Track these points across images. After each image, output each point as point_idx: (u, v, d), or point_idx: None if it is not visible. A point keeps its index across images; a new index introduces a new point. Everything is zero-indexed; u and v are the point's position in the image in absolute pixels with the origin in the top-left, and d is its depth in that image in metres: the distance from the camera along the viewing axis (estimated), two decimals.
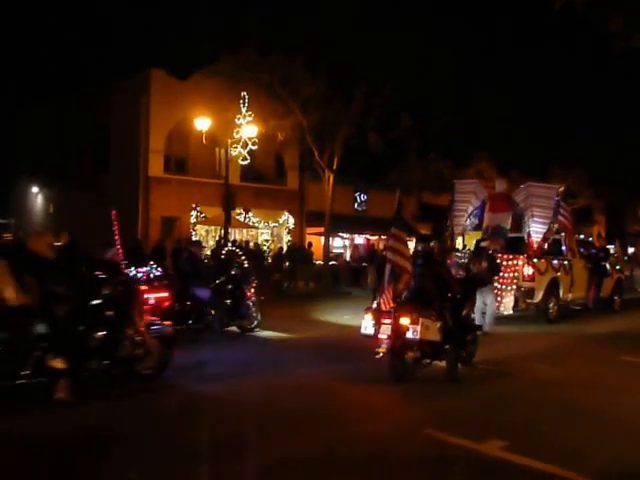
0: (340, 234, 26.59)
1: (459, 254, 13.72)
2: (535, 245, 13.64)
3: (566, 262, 14.23)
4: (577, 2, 7.09)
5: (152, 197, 21.60)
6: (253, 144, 19.32)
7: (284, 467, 4.73)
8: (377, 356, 7.45)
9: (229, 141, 19.19)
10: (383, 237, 28.72)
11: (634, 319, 14.87)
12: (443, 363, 7.80)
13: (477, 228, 15.30)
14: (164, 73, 21.88)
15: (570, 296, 14.31)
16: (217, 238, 21.08)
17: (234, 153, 19.32)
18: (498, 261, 12.37)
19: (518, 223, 14.32)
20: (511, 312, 12.79)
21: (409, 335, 7.29)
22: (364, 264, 22.88)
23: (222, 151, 20.39)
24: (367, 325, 7.68)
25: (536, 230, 13.78)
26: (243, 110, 19.45)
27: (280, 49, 19.27)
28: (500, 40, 25.13)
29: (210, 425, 5.60)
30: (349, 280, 22.89)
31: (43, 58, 30.45)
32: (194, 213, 22.21)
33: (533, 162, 27.94)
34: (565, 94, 27.04)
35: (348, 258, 25.80)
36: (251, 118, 19.42)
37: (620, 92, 27.48)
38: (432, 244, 8.73)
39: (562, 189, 15.10)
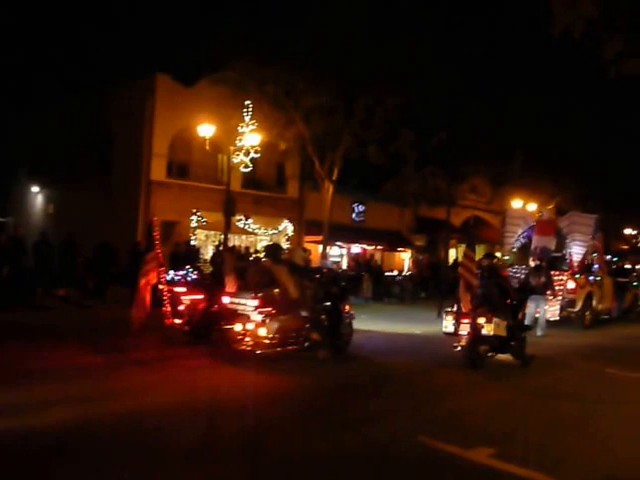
0: (337, 243, 26.92)
1: (513, 269, 15.79)
2: (576, 264, 16.48)
3: (598, 278, 17.03)
4: (575, 28, 7.46)
5: (153, 201, 21.87)
6: (255, 152, 19.65)
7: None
8: (456, 349, 9.51)
9: (232, 148, 19.51)
10: (379, 247, 29.13)
11: None
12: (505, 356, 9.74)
13: (525, 248, 17.63)
14: (169, 79, 22.19)
15: (600, 307, 16.93)
16: (217, 243, 21.34)
17: (236, 160, 19.63)
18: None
19: (561, 245, 17.08)
20: (557, 318, 15.48)
21: (484, 331, 9.24)
22: (362, 273, 23.20)
23: (224, 158, 20.71)
24: (448, 325, 9.63)
25: (577, 251, 16.68)
26: (246, 118, 19.78)
27: (285, 60, 19.67)
28: (499, 59, 25.62)
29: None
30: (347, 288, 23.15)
31: (48, 58, 30.70)
32: (194, 218, 22.47)
33: (526, 179, 28.55)
34: (559, 114, 27.63)
35: (345, 267, 26.10)
36: (254, 127, 19.76)
37: (611, 115, 28.20)
38: (495, 260, 10.82)
39: (598, 218, 17.67)
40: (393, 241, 29.53)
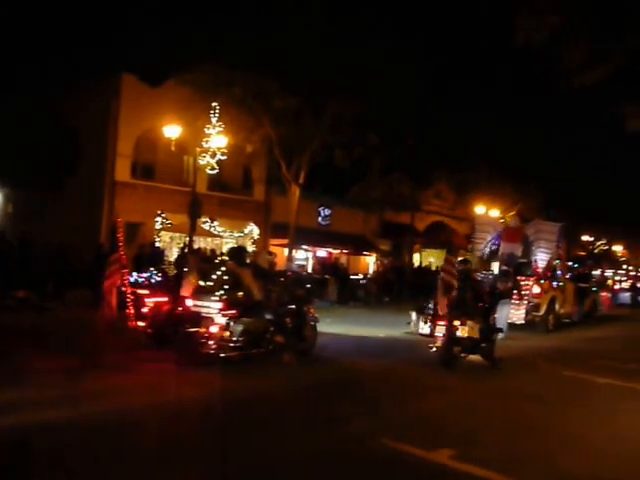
0: (303, 247, 26.96)
1: (481, 274, 15.81)
2: (540, 270, 17.01)
3: (561, 284, 17.80)
4: (537, 39, 7.66)
5: (117, 202, 21.55)
6: (222, 154, 19.54)
7: None
8: (432, 350, 10.05)
9: (198, 150, 19.37)
10: (345, 251, 29.29)
11: (610, 330, 18.91)
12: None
13: (494, 254, 18.25)
14: (135, 79, 21.91)
15: (562, 311, 17.74)
16: (182, 245, 21.14)
17: (202, 162, 19.50)
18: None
19: (527, 251, 17.65)
20: (523, 322, 15.97)
21: (458, 333, 9.80)
22: (326, 276, 23.29)
23: (190, 159, 20.55)
24: (424, 327, 10.43)
25: (542, 258, 17.23)
26: (213, 120, 19.65)
27: (253, 63, 19.64)
28: (465, 69, 26.12)
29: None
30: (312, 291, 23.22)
31: (8, 53, 29.94)
32: (159, 219, 22.21)
33: (489, 186, 29.19)
34: (520, 124, 28.37)
35: (310, 270, 26.16)
36: (221, 129, 19.65)
37: (571, 126, 29.05)
38: (469, 265, 11.33)
39: (562, 226, 18.47)
40: (358, 245, 29.73)
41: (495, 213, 31.13)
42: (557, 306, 17.30)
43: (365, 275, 26.82)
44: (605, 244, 46.19)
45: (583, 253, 36.81)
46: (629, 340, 16.80)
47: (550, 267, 17.57)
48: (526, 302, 16.18)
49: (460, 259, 11.90)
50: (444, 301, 10.01)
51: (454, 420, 6.92)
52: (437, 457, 5.46)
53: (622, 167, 67.54)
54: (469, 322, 9.85)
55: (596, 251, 45.56)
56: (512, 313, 15.42)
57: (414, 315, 11.65)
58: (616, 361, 12.15)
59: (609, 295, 27.54)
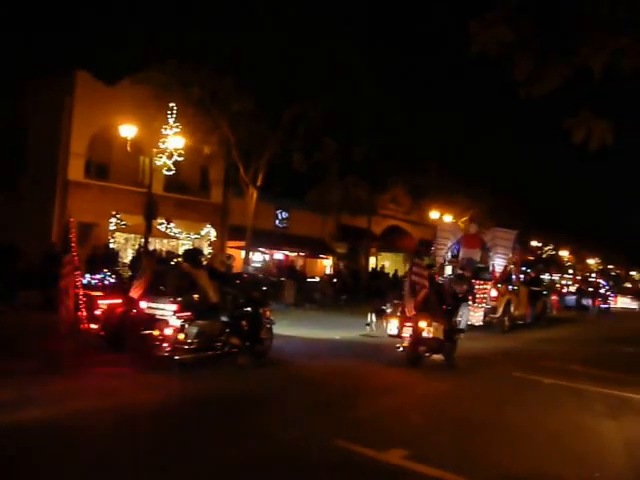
0: (260, 249, 26.94)
1: (441, 278, 16.50)
2: (497, 274, 18.06)
3: (515, 288, 18.89)
4: (490, 49, 7.92)
5: (70, 201, 21.09)
6: (179, 155, 19.38)
7: None
8: (399, 350, 10.51)
9: (154, 150, 19.16)
10: (302, 254, 29.39)
11: (558, 331, 20.23)
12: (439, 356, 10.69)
13: (454, 259, 19.21)
14: (89, 76, 21.50)
15: (516, 313, 18.79)
16: (137, 247, 20.86)
17: (159, 163, 19.29)
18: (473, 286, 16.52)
19: (485, 257, 18.73)
20: (481, 323, 16.98)
21: (424, 334, 10.26)
22: (282, 279, 23.34)
23: (146, 160, 20.29)
24: (392, 327, 10.73)
25: (499, 263, 18.30)
26: (170, 121, 19.48)
27: (211, 64, 19.56)
28: (420, 75, 26.59)
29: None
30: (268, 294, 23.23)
31: None
32: (114, 220, 21.84)
33: (443, 191, 29.84)
34: (475, 131, 29.06)
35: (267, 272, 26.15)
36: (178, 129, 19.50)
37: (521, 133, 29.95)
38: (433, 270, 11.92)
39: (517, 233, 19.69)
40: (315, 248, 29.86)
41: (449, 218, 31.80)
42: (512, 308, 18.32)
43: (322, 278, 26.96)
44: (552, 249, 47.64)
45: (532, 258, 37.92)
46: (574, 341, 17.72)
47: (506, 272, 18.51)
48: (484, 305, 17.15)
49: (426, 264, 12.23)
50: (411, 303, 10.49)
51: (406, 420, 7.08)
52: (389, 457, 5.57)
53: (569, 175, 69.86)
54: (434, 323, 10.31)
55: (544, 256, 46.95)
56: (471, 315, 15.88)
57: (373, 317, 12.12)
58: (561, 362, 12.63)
59: (557, 298, 28.77)
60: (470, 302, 15.85)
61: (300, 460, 5.44)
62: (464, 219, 33.59)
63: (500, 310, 17.62)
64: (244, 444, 5.73)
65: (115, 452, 5.31)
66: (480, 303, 17.12)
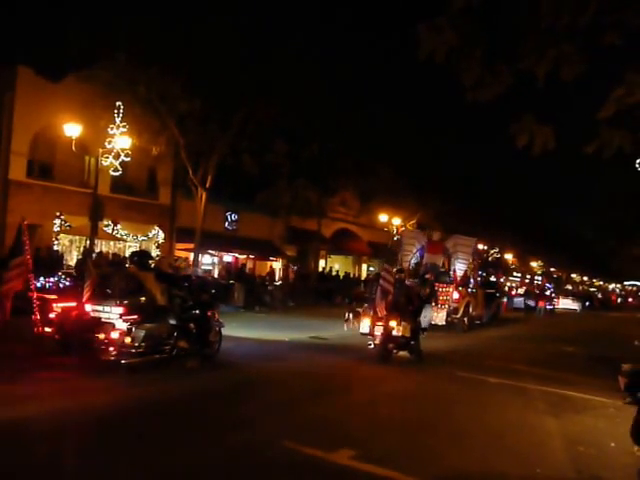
0: (210, 251, 26.65)
1: (407, 282, 17.39)
2: (459, 278, 19.41)
3: (474, 290, 20.37)
4: (438, 54, 8.02)
5: (11, 202, 20.32)
6: (126, 155, 18.95)
7: None
8: (370, 347, 11.54)
9: (100, 150, 18.67)
10: (251, 256, 29.23)
11: (509, 330, 21.95)
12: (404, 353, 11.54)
13: (418, 264, 20.59)
14: (32, 72, 20.81)
15: (474, 313, 20.18)
16: (82, 249, 20.29)
17: (105, 163, 18.82)
18: (436, 288, 17.57)
19: (447, 262, 20.17)
20: (444, 323, 18.24)
21: (394, 332, 11.16)
22: (231, 281, 23.15)
23: (92, 160, 19.80)
24: (364, 326, 11.78)
25: (459, 267, 19.67)
26: (117, 120, 19.03)
27: (158, 62, 19.25)
28: (370, 79, 26.88)
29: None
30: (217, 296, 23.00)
31: None
32: (58, 221, 21.18)
33: (391, 195, 30.30)
34: (423, 135, 29.62)
35: (216, 275, 25.90)
36: (125, 129, 19.06)
37: (471, 139, 30.64)
38: (403, 274, 12.96)
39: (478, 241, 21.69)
40: (265, 250, 29.76)
41: (397, 221, 32.26)
42: (471, 309, 19.77)
43: (271, 280, 26.88)
44: (497, 252, 48.92)
45: (479, 261, 38.91)
46: (523, 339, 19.22)
47: (466, 276, 19.97)
48: (447, 306, 18.51)
49: (396, 268, 13.35)
50: (382, 304, 11.38)
51: (353, 421, 7.14)
52: (337, 458, 5.60)
53: (513, 179, 71.90)
54: (403, 322, 11.17)
55: (490, 259, 48.16)
56: (434, 315, 17.72)
57: (351, 316, 12.63)
58: (506, 361, 13.01)
59: (505, 300, 29.84)
60: (433, 303, 17.22)
61: (247, 462, 5.41)
62: (412, 222, 34.14)
63: (461, 311, 19.00)
64: (190, 447, 5.66)
65: (48, 457, 5.18)
66: (443, 304, 18.42)
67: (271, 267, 29.52)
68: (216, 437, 6.07)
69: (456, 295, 18.88)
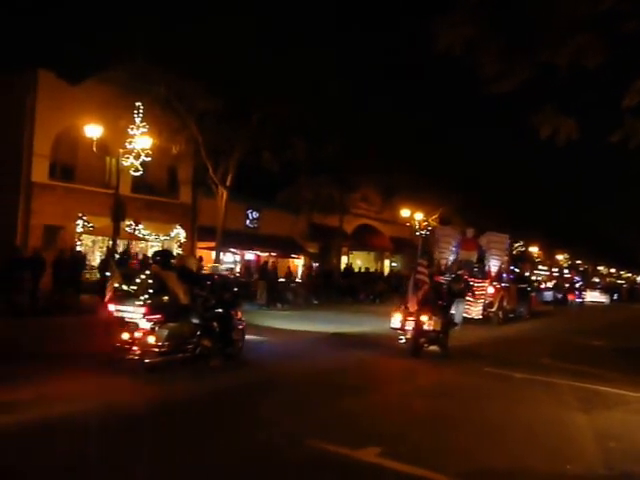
0: (231, 249, 26.74)
1: (442, 278, 17.56)
2: (493, 274, 20.42)
3: (507, 285, 21.23)
4: (454, 48, 7.93)
5: (34, 204, 20.62)
6: (146, 155, 19.05)
7: None
8: (401, 341, 11.64)
9: (121, 151, 18.82)
10: (273, 254, 29.27)
11: (540, 323, 22.54)
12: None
13: (454, 260, 21.01)
14: (52, 75, 21.07)
15: (508, 307, 21.07)
16: (105, 249, 20.50)
17: (126, 163, 18.96)
18: (470, 284, 18.49)
19: (481, 258, 20.86)
20: (480, 316, 19.27)
21: (425, 327, 11.36)
22: (252, 280, 23.20)
23: (113, 161, 19.95)
24: (395, 321, 11.71)
25: (494, 264, 20.66)
26: (137, 120, 19.17)
27: (177, 63, 19.32)
28: (392, 72, 26.71)
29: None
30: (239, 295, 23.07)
31: None
32: (80, 222, 21.43)
33: (414, 190, 30.08)
34: (444, 128, 29.34)
35: (238, 273, 25.99)
36: (145, 129, 19.19)
37: (493, 131, 30.36)
38: (433, 269, 13.50)
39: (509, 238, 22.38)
40: (287, 247, 29.77)
41: (419, 216, 32.03)
42: (505, 303, 20.63)
43: (293, 278, 26.88)
44: (522, 245, 48.33)
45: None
46: (555, 330, 19.95)
47: (500, 271, 20.83)
48: (482, 300, 19.33)
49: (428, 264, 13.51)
50: (414, 299, 11.47)
51: (381, 417, 7.07)
52: (364, 455, 5.52)
53: (536, 171, 71.02)
54: (434, 317, 11.39)
55: (514, 252, 47.62)
56: (470, 309, 18.83)
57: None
58: (535, 355, 12.82)
59: (534, 294, 29.63)
60: (469, 298, 18.38)
61: (271, 461, 5.37)
62: (434, 217, 33.87)
63: (496, 305, 19.95)
64: (215, 446, 5.64)
65: (85, 455, 5.20)
66: (479, 299, 19.28)
67: (288, 267, 29.50)
68: (241, 435, 6.03)
69: (491, 290, 19.80)
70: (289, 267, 29.28)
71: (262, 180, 24.83)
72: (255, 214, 28.98)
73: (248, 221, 28.71)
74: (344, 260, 33.00)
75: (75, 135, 20.05)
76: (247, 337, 10.60)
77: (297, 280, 26.62)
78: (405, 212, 31.92)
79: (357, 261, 35.91)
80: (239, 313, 10.41)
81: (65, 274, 16.60)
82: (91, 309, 15.86)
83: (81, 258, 19.43)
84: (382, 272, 35.38)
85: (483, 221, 25.03)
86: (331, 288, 27.10)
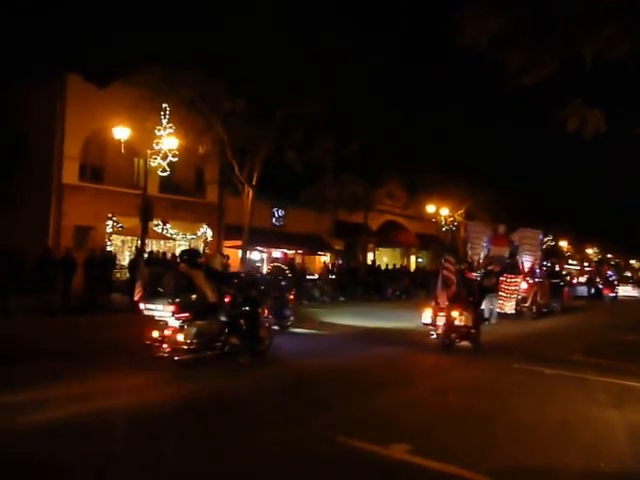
0: (258, 248, 26.90)
1: (475, 273, 17.46)
2: (526, 269, 20.48)
3: (540, 280, 21.18)
4: (480, 42, 7.85)
5: (65, 205, 21.04)
6: (173, 156, 19.31)
7: None
8: (432, 337, 11.63)
9: (148, 152, 19.09)
10: (299, 251, 29.37)
11: (574, 318, 22.32)
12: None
13: (486, 256, 21.14)
14: (80, 79, 21.46)
15: (541, 302, 21.03)
16: (134, 249, 20.80)
17: (153, 164, 19.23)
18: (503, 279, 19.01)
19: (514, 254, 20.88)
20: (513, 311, 19.43)
21: (456, 322, 11.36)
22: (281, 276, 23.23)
23: (141, 161, 20.23)
24: (426, 316, 11.65)
25: (526, 259, 20.81)
26: (163, 121, 19.41)
27: (201, 64, 19.50)
28: (416, 69, 26.57)
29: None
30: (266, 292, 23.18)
31: None
32: (110, 223, 21.80)
33: (438, 185, 29.88)
34: (470, 124, 29.07)
35: (265, 271, 26.10)
36: (171, 130, 19.42)
37: (520, 126, 29.99)
38: (463, 266, 13.26)
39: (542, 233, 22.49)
40: (313, 245, 29.83)
41: (445, 211, 31.81)
42: (538, 298, 20.66)
43: (320, 275, 26.93)
44: (551, 240, 47.63)
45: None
46: (590, 325, 19.98)
47: (533, 267, 20.88)
48: (515, 296, 19.50)
49: (457, 260, 13.50)
50: (444, 295, 11.46)
51: (411, 414, 7.04)
52: (394, 452, 5.51)
53: (563, 163, 69.89)
54: (465, 313, 11.40)
55: (544, 247, 46.97)
56: (503, 304, 19.02)
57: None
58: (567, 351, 12.65)
59: (567, 289, 29.29)
60: (502, 293, 18.69)
61: (300, 457, 5.39)
62: (460, 212, 33.59)
63: (529, 300, 20.01)
64: (244, 442, 5.69)
65: (116, 451, 5.29)
66: (512, 294, 19.48)
67: (324, 263, 29.45)
68: (271, 432, 6.06)
69: (524, 285, 19.89)
70: (324, 263, 29.39)
71: (287, 178, 24.93)
72: (281, 212, 29.10)
73: (274, 219, 28.85)
74: (370, 257, 32.93)
75: (104, 137, 20.40)
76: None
77: (323, 278, 26.61)
78: (430, 208, 31.73)
79: (383, 258, 35.81)
80: (266, 311, 10.49)
81: (96, 274, 16.87)
82: (122, 308, 16.16)
83: (111, 258, 19.75)
84: (408, 268, 35.24)
85: (510, 215, 24.73)
86: (357, 285, 27.08)
